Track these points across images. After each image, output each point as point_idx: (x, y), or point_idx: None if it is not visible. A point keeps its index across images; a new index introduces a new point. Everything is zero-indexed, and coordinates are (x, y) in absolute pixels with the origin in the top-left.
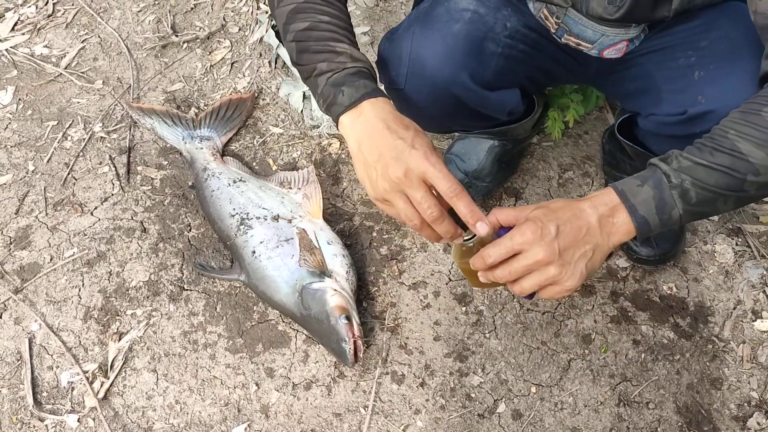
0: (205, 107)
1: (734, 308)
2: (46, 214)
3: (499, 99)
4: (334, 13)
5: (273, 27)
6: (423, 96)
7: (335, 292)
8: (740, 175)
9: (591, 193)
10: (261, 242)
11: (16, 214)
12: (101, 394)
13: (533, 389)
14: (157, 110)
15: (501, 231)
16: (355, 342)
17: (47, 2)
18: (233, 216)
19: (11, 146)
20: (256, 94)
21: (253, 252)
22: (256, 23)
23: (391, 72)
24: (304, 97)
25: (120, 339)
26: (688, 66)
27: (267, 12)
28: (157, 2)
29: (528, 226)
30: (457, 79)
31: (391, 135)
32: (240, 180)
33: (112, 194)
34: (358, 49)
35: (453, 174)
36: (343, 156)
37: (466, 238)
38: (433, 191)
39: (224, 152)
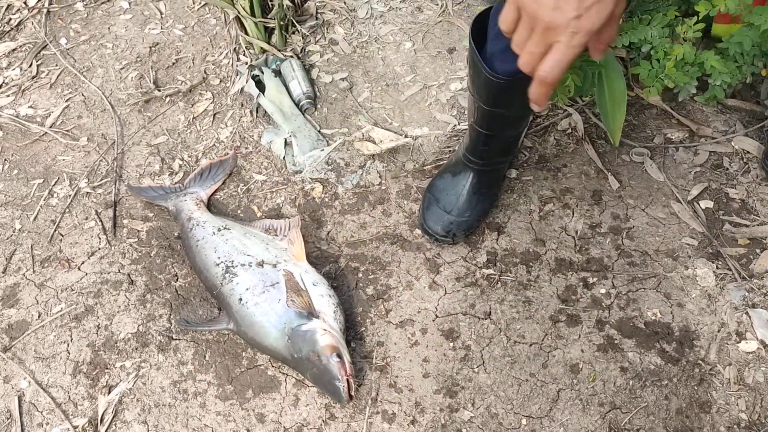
0: (189, 159)
1: (719, 331)
2: (34, 271)
3: None
4: None
5: (253, 77)
6: None
7: (325, 332)
8: None
9: (571, 225)
10: (247, 289)
11: (3, 272)
12: None
13: (524, 422)
14: (152, 186)
15: None
16: (348, 380)
17: (31, 64)
18: (218, 264)
19: None
20: (238, 150)
21: (240, 299)
22: (237, 74)
23: None
24: (286, 143)
25: (110, 392)
26: None
27: (246, 63)
28: (139, 59)
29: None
30: None
31: None
32: (225, 228)
33: (99, 248)
34: None
35: (434, 212)
36: (327, 200)
37: None
38: None
39: (209, 201)
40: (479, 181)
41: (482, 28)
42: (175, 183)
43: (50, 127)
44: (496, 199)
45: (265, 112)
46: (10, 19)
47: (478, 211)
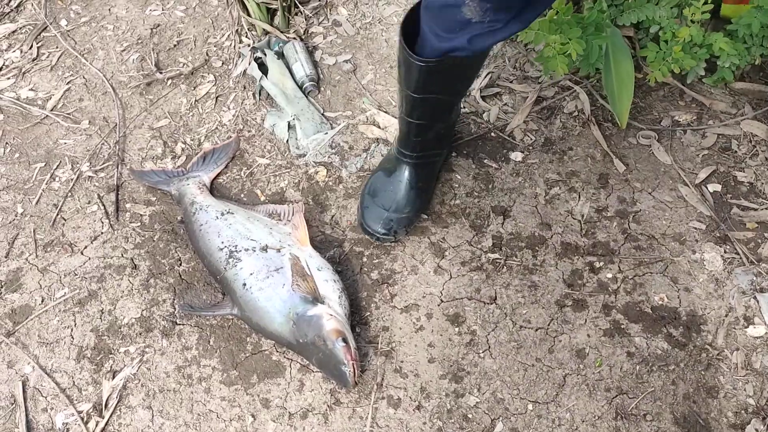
0: (192, 142)
1: (726, 315)
2: (36, 255)
3: None
4: None
5: (256, 59)
6: None
7: (330, 317)
8: None
9: (577, 209)
10: (251, 274)
11: (6, 257)
12: None
13: (530, 407)
14: (155, 170)
15: None
16: (353, 365)
17: (32, 46)
18: (222, 249)
19: (0, 190)
20: (241, 134)
21: (244, 284)
22: (239, 57)
23: None
24: (289, 127)
25: (114, 377)
26: None
27: (249, 45)
28: (140, 41)
29: None
30: None
31: None
32: (228, 212)
33: (102, 233)
34: None
35: (373, 211)
36: (330, 183)
37: None
38: None
39: (212, 185)
40: (416, 176)
41: (413, 24)
42: (178, 167)
43: (51, 110)
44: (433, 193)
45: (268, 94)
46: (10, 0)
47: (416, 206)
